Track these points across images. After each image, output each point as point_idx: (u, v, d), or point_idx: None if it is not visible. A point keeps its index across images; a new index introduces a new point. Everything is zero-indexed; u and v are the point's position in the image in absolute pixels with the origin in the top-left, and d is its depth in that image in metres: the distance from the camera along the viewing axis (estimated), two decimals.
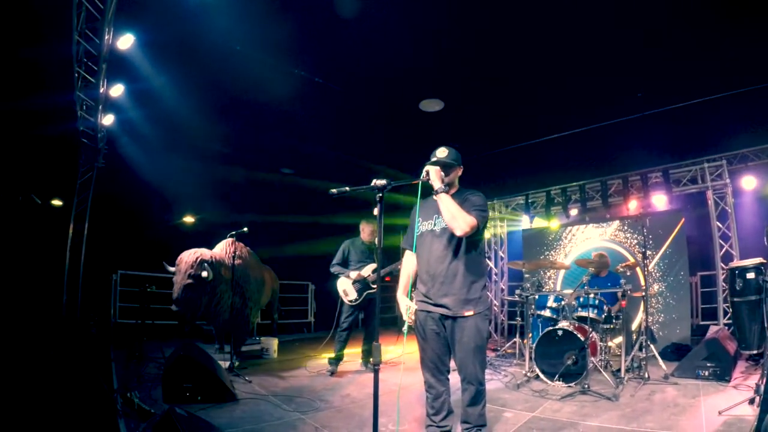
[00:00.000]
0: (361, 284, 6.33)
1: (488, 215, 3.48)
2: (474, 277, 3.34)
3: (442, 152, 3.42)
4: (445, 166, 3.32)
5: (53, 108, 6.96)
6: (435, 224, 3.42)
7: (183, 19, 5.42)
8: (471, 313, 3.25)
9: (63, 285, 8.07)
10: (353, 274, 6.33)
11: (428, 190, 3.29)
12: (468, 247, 3.33)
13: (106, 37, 5.67)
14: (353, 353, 6.88)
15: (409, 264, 3.60)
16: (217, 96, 7.18)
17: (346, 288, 6.38)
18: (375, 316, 2.79)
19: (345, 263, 6.50)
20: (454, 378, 3.36)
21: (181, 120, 7.55)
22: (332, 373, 6.16)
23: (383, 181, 2.65)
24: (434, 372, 3.39)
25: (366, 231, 6.60)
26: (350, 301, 6.36)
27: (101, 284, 8.83)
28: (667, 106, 7.17)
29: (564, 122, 7.94)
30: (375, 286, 6.09)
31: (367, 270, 6.36)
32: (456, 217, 3.12)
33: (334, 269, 6.48)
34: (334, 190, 2.69)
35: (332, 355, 6.34)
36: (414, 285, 3.54)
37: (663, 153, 8.66)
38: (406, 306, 3.33)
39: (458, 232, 3.14)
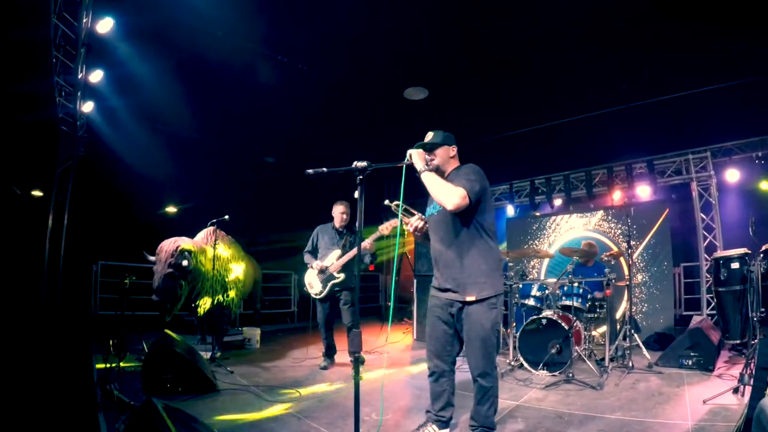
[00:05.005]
0: (326, 275, 5.70)
1: (482, 184, 3.13)
2: (478, 260, 3.13)
3: (428, 136, 3.36)
4: (431, 147, 3.27)
5: (31, 94, 6.79)
6: (435, 207, 3.30)
7: (163, 3, 5.31)
8: (473, 298, 3.07)
9: (42, 277, 7.90)
10: (315, 265, 5.71)
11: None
12: (471, 228, 3.15)
13: (85, 20, 5.53)
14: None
15: None
16: (199, 82, 7.04)
17: (311, 280, 5.81)
18: (355, 303, 2.72)
19: (315, 251, 5.94)
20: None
21: (162, 107, 7.40)
22: (324, 368, 5.77)
23: (364, 163, 2.57)
24: (435, 360, 3.31)
25: (335, 212, 5.92)
26: (315, 295, 5.78)
27: (81, 276, 8.66)
28: (652, 98, 7.19)
29: (549, 112, 7.92)
30: (340, 275, 5.69)
31: (330, 258, 5.72)
32: (441, 190, 3.00)
33: (305, 258, 5.92)
34: (310, 171, 2.60)
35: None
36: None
37: (648, 144, 8.69)
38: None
39: (449, 206, 2.95)
